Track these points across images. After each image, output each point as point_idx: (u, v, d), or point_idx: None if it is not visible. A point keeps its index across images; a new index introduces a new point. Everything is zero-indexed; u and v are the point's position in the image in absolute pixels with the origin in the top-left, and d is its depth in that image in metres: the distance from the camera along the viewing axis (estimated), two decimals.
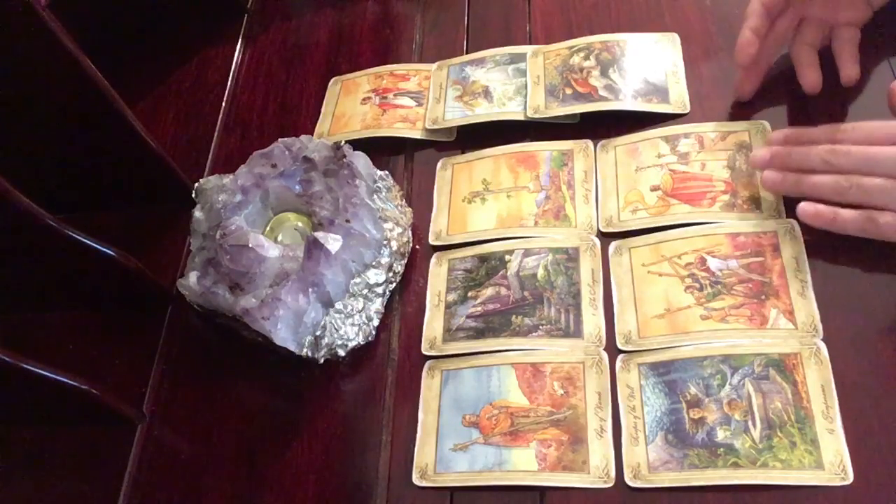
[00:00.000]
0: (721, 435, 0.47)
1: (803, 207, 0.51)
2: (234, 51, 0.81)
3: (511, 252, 0.59)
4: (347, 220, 0.57)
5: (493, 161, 0.64)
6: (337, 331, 0.56)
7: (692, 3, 0.68)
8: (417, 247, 0.62)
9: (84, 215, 0.60)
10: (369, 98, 0.71)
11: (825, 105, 0.58)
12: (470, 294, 0.58)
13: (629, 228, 0.57)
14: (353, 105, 0.71)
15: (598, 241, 0.57)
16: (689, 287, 0.53)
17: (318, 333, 0.56)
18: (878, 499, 0.43)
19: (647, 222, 0.56)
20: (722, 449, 0.46)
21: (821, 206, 0.50)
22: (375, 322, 0.58)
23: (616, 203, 0.58)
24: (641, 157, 0.60)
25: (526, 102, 0.65)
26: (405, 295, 0.60)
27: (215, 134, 0.75)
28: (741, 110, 0.60)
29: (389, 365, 0.57)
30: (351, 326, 0.56)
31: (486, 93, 0.67)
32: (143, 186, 0.69)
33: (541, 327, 0.54)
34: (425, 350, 0.56)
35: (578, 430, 0.50)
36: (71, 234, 0.56)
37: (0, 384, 0.53)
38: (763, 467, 0.45)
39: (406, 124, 0.68)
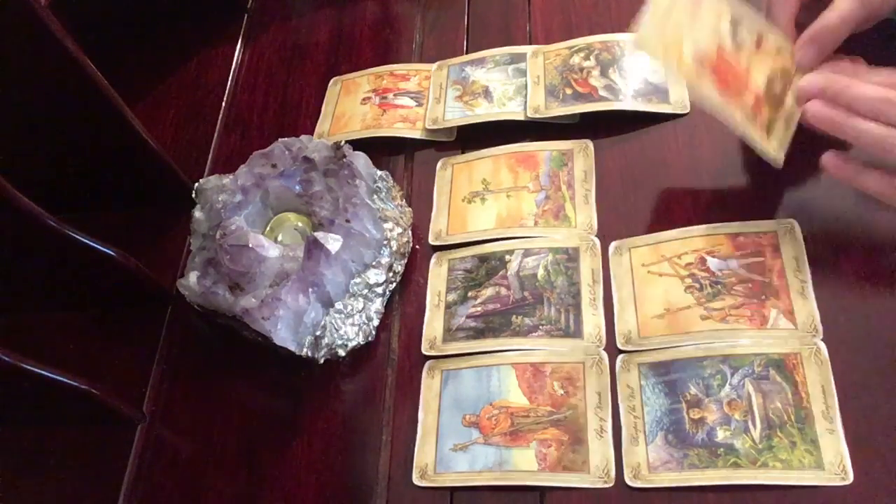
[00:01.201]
0: (721, 435, 0.47)
1: (829, 157, 0.49)
2: (234, 51, 0.81)
3: (511, 252, 0.59)
4: (347, 220, 0.57)
5: (492, 161, 0.64)
6: (337, 331, 0.56)
7: None
8: (417, 247, 0.62)
9: (84, 215, 0.60)
10: (369, 98, 0.71)
11: None
12: (470, 294, 0.58)
13: None
14: (353, 105, 0.71)
15: (597, 241, 0.57)
16: (689, 287, 0.53)
17: (318, 333, 0.56)
18: (878, 499, 0.43)
19: None
20: (722, 449, 0.46)
21: (848, 158, 0.49)
22: (375, 322, 0.58)
23: None
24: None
25: (526, 102, 0.65)
26: (405, 295, 0.60)
27: (215, 134, 0.75)
28: None
29: (389, 365, 0.57)
30: (351, 326, 0.56)
31: (486, 93, 0.67)
32: (143, 186, 0.69)
33: (541, 327, 0.54)
34: (425, 350, 0.56)
35: (578, 430, 0.50)
36: (71, 234, 0.56)
37: (0, 384, 0.53)
38: (763, 467, 0.45)
39: (406, 124, 0.68)
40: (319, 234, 0.56)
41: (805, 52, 0.52)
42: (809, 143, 0.57)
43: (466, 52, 0.73)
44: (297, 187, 0.61)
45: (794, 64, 0.53)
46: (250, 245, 0.56)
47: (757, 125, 0.52)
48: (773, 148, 0.52)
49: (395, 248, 0.59)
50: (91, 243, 0.57)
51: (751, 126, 0.51)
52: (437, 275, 0.60)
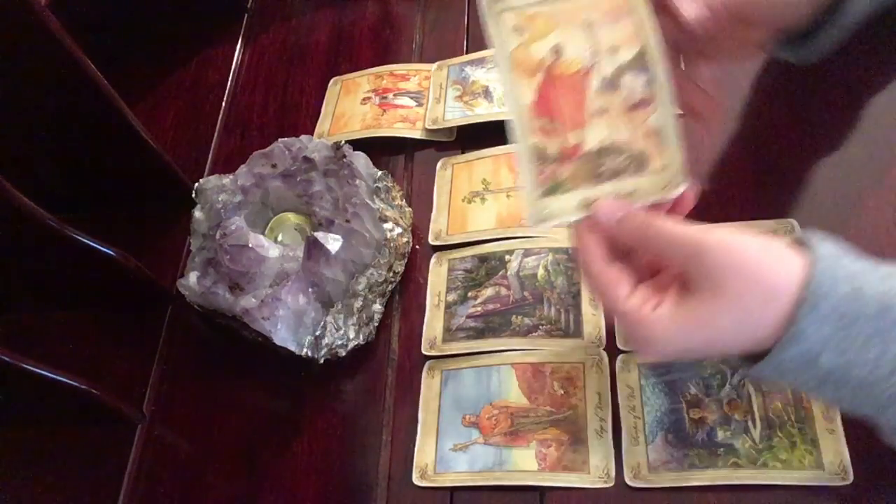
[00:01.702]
0: (721, 435, 0.47)
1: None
2: (234, 51, 0.81)
3: (511, 252, 0.59)
4: (347, 220, 0.57)
5: (493, 161, 0.64)
6: (337, 331, 0.56)
7: None
8: (417, 247, 0.62)
9: (84, 215, 0.60)
10: (369, 98, 0.71)
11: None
12: (470, 294, 0.58)
13: None
14: (353, 105, 0.71)
15: None
16: None
17: (318, 333, 0.56)
18: (877, 499, 0.43)
19: None
20: (722, 449, 0.46)
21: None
22: (375, 322, 0.58)
23: None
24: None
25: None
26: (405, 295, 0.60)
27: (215, 134, 0.75)
28: None
29: (389, 365, 0.57)
30: (351, 326, 0.56)
31: (486, 93, 0.67)
32: (143, 186, 0.69)
33: (541, 327, 0.54)
34: (425, 350, 0.56)
35: (578, 430, 0.50)
36: (71, 233, 0.56)
37: (0, 384, 0.53)
38: (763, 467, 0.45)
39: (406, 124, 0.68)
40: (319, 234, 0.56)
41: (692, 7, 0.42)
42: (810, 142, 0.58)
43: (466, 52, 0.73)
44: (297, 187, 0.61)
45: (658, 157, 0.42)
46: (250, 245, 0.56)
47: (545, 171, 0.41)
48: (534, 207, 0.42)
49: (395, 248, 0.59)
50: (91, 243, 0.57)
51: (534, 164, 0.41)
52: (437, 275, 0.60)
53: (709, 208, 0.56)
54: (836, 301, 0.35)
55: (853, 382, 0.36)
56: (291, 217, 0.62)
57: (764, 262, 0.37)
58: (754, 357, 0.38)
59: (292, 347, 0.55)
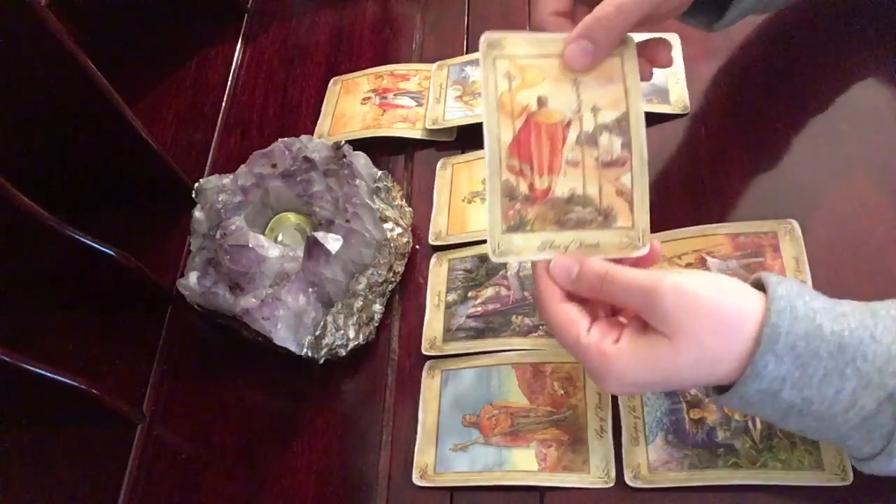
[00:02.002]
0: (721, 435, 0.47)
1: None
2: (234, 51, 0.81)
3: None
4: (347, 220, 0.57)
5: None
6: (337, 331, 0.56)
7: None
8: (417, 247, 0.62)
9: (84, 215, 0.60)
10: (369, 98, 0.71)
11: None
12: (470, 294, 0.58)
13: None
14: (353, 105, 0.71)
15: None
16: None
17: (318, 333, 0.56)
18: (877, 499, 0.43)
19: None
20: (722, 449, 0.46)
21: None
22: (375, 322, 0.58)
23: None
24: None
25: None
26: (405, 295, 0.60)
27: (215, 134, 0.75)
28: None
29: (389, 365, 0.57)
30: (351, 326, 0.56)
31: None
32: (143, 186, 0.69)
33: (541, 327, 0.54)
34: (425, 350, 0.56)
35: (579, 430, 0.50)
36: (71, 234, 0.56)
37: (0, 384, 0.53)
38: (763, 467, 0.45)
39: (406, 124, 0.68)
40: (319, 234, 0.56)
41: (574, 48, 0.41)
42: (810, 142, 0.58)
43: (466, 52, 0.73)
44: (297, 187, 0.61)
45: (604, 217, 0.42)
46: (250, 245, 0.57)
47: (513, 208, 0.42)
48: (498, 240, 0.43)
49: (395, 248, 0.59)
50: (91, 243, 0.57)
51: (504, 199, 0.42)
52: (437, 275, 0.60)
53: (709, 208, 0.57)
54: (794, 340, 0.37)
55: (814, 415, 0.38)
56: (291, 217, 0.62)
57: (722, 303, 0.38)
58: (721, 387, 0.40)
59: (292, 347, 0.55)
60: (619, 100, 0.42)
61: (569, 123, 0.42)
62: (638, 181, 0.42)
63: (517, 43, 0.42)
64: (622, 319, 0.42)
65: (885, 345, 0.36)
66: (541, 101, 0.42)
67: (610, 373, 0.39)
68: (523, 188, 0.42)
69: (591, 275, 0.41)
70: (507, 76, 0.42)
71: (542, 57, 0.42)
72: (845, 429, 0.38)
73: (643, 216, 0.42)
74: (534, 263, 0.43)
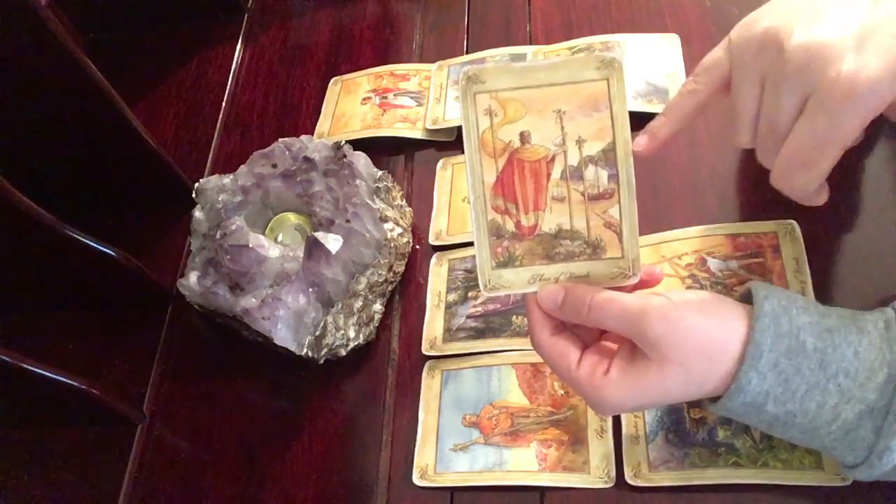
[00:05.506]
0: (721, 434, 0.47)
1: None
2: (234, 51, 0.81)
3: None
4: (347, 220, 0.57)
5: None
6: (337, 331, 0.56)
7: (692, 4, 0.68)
8: (417, 247, 0.62)
9: (84, 215, 0.60)
10: (369, 98, 0.71)
11: None
12: (470, 294, 0.58)
13: None
14: (353, 105, 0.71)
15: None
16: (689, 287, 0.53)
17: (318, 333, 0.56)
18: (877, 499, 0.43)
19: None
20: (722, 448, 0.46)
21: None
22: (375, 322, 0.58)
23: None
24: None
25: None
26: (405, 295, 0.60)
27: (215, 134, 0.75)
28: None
29: (389, 365, 0.57)
30: (351, 326, 0.56)
31: None
32: (143, 186, 0.69)
33: None
34: (425, 350, 0.56)
35: (579, 430, 0.50)
36: (71, 234, 0.56)
37: (0, 384, 0.53)
38: (763, 467, 0.45)
39: (406, 124, 0.68)
40: (319, 234, 0.56)
41: (648, 137, 0.45)
42: None
43: (466, 52, 0.73)
44: (297, 187, 0.61)
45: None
46: (250, 245, 0.57)
47: (501, 245, 0.43)
48: (488, 276, 0.43)
49: (395, 248, 0.59)
50: (91, 243, 0.57)
51: (491, 238, 0.43)
52: (438, 275, 0.60)
53: (709, 209, 0.57)
54: (776, 357, 0.38)
55: (798, 427, 0.39)
56: (291, 217, 0.62)
57: (708, 330, 0.39)
58: (711, 398, 0.41)
59: (292, 347, 0.55)
60: (604, 128, 0.41)
61: (553, 158, 0.42)
62: (626, 211, 0.42)
63: (497, 76, 0.41)
64: (611, 345, 0.43)
65: (867, 361, 0.38)
66: (524, 137, 0.42)
67: (603, 401, 0.41)
68: (510, 226, 0.43)
69: (576, 302, 0.42)
70: (487, 112, 0.41)
71: (523, 88, 0.41)
72: (828, 440, 0.39)
73: (633, 245, 0.42)
74: (525, 296, 0.44)
